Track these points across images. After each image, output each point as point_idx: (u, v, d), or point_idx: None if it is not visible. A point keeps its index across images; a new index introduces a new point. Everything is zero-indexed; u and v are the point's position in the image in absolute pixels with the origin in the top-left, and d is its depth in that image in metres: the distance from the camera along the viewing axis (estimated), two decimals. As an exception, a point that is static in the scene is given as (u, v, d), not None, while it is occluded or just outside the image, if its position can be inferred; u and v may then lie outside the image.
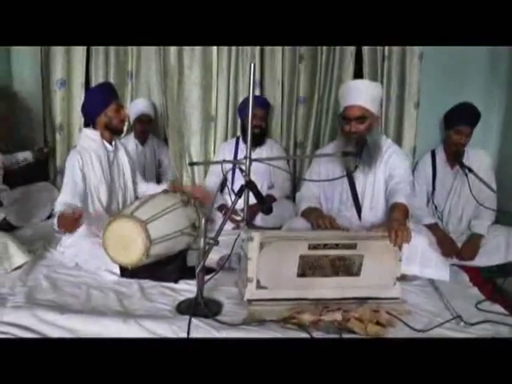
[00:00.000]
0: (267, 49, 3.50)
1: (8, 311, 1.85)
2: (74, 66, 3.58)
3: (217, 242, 1.89)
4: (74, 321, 1.76)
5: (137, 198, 2.75)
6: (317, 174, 2.69)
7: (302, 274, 2.01)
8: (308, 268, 2.01)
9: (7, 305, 1.93)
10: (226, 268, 2.29)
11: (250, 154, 2.31)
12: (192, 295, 2.03)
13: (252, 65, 2.18)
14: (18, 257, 2.31)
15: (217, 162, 3.13)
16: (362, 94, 2.43)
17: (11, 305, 1.93)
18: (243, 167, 2.26)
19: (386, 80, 3.37)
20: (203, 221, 1.92)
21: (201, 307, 1.89)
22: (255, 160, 2.36)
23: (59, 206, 2.36)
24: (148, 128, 3.61)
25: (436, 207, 3.07)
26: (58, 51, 3.56)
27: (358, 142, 2.44)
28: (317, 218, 2.42)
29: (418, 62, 3.29)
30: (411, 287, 2.26)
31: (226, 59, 3.49)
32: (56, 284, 2.18)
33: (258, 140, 3.30)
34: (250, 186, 2.16)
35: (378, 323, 1.85)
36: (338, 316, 1.88)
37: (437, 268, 2.29)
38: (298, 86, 3.57)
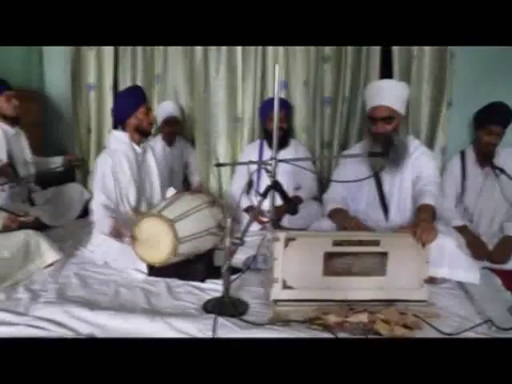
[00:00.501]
0: (292, 49, 3.49)
1: (40, 306, 1.92)
2: (103, 70, 3.68)
3: (242, 242, 1.90)
4: (103, 317, 1.80)
5: (163, 199, 2.79)
6: (344, 175, 2.67)
7: (327, 272, 2.00)
8: (333, 266, 2.00)
9: (40, 300, 1.99)
10: (252, 268, 2.30)
11: (276, 154, 2.32)
12: (218, 294, 2.05)
13: (276, 66, 2.18)
14: (50, 255, 2.37)
15: (243, 163, 3.15)
16: (389, 94, 2.41)
17: (43, 300, 1.99)
18: (269, 168, 2.27)
19: (416, 80, 3.32)
20: (229, 220, 1.93)
21: (227, 306, 1.90)
22: (281, 161, 2.35)
23: (98, 206, 2.45)
24: (175, 130, 3.64)
25: (466, 209, 3.01)
26: (89, 55, 3.67)
27: (384, 143, 2.42)
28: (343, 219, 2.41)
29: (450, 62, 3.23)
30: (440, 290, 2.21)
31: (253, 60, 3.51)
32: (86, 281, 2.24)
33: (281, 141, 3.27)
34: (275, 186, 2.16)
35: (404, 326, 1.82)
36: (364, 318, 1.86)
37: (466, 270, 2.24)
38: (323, 86, 3.54)
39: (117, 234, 2.43)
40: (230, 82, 3.53)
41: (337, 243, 1.97)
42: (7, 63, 3.59)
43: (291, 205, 2.19)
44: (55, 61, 3.90)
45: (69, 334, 1.71)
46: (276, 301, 1.99)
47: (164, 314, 1.85)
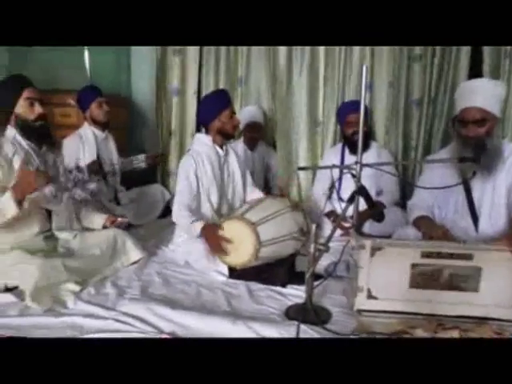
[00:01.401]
0: (378, 49, 3.39)
1: (126, 302, 1.97)
2: (187, 74, 3.77)
3: (327, 249, 1.85)
4: (185, 316, 1.81)
5: (245, 202, 2.80)
6: (429, 180, 2.52)
7: (414, 284, 1.89)
8: (420, 279, 1.89)
9: (125, 296, 2.05)
10: (333, 275, 2.24)
11: (361, 158, 2.25)
12: (300, 301, 2.01)
13: (364, 67, 2.11)
14: (135, 253, 2.45)
15: (326, 167, 3.08)
16: (482, 94, 2.23)
17: (128, 297, 2.05)
18: (354, 172, 2.20)
19: (508, 80, 3.10)
20: (314, 226, 1.88)
21: (310, 314, 1.85)
22: (366, 165, 2.28)
23: (181, 207, 2.48)
24: (257, 135, 3.65)
25: None
26: (174, 60, 3.78)
27: (476, 147, 2.25)
28: (429, 227, 2.28)
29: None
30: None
31: (336, 62, 3.44)
32: (167, 280, 2.27)
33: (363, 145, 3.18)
34: (361, 191, 2.09)
35: (501, 347, 1.69)
36: (455, 335, 1.74)
37: None
38: (409, 87, 3.41)
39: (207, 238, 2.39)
40: (312, 83, 3.48)
41: (426, 255, 1.87)
42: (99, 71, 3.80)
43: (377, 211, 2.11)
44: (142, 67, 4.07)
45: (151, 331, 1.73)
46: (360, 311, 1.91)
47: (246, 318, 1.82)
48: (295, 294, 2.13)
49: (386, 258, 1.86)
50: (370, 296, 1.90)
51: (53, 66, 3.89)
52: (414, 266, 1.86)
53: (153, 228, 3.18)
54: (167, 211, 3.48)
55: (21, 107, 2.17)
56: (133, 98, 4.19)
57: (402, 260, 1.86)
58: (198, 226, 2.39)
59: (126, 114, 4.05)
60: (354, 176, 2.13)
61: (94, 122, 3.23)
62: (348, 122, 3.11)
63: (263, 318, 1.88)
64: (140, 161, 3.63)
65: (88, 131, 3.24)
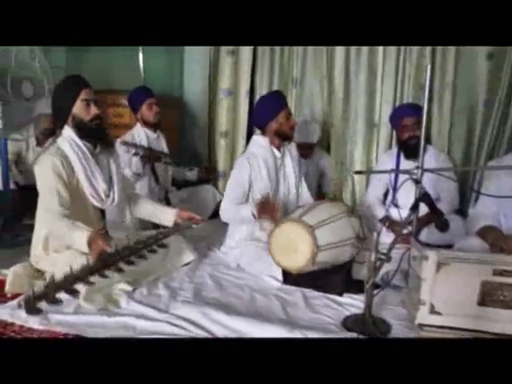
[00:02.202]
0: (438, 48, 3.24)
1: (179, 305, 1.94)
2: (240, 76, 3.74)
3: (389, 259, 1.76)
4: (239, 323, 1.75)
5: (298, 205, 2.72)
6: (496, 187, 2.37)
7: (483, 302, 1.76)
8: (491, 297, 1.75)
9: (178, 298, 2.02)
10: (390, 285, 2.14)
11: (423, 162, 2.14)
12: (357, 311, 1.92)
13: (428, 66, 2.01)
14: (186, 254, 2.43)
15: (385, 172, 2.96)
16: None
17: (181, 299, 2.01)
18: (414, 177, 2.09)
19: None
20: (375, 234, 1.79)
21: (369, 326, 1.76)
22: (427, 170, 2.17)
23: (229, 205, 2.45)
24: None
25: None
26: (227, 61, 3.75)
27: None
28: (497, 239, 2.14)
29: None
30: None
31: (394, 62, 3.32)
32: (220, 283, 2.23)
33: (416, 151, 3.03)
34: (425, 199, 1.98)
35: None
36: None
37: None
38: (475, 88, 3.24)
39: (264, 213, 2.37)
40: (369, 85, 3.37)
41: (499, 273, 1.73)
42: (152, 72, 3.85)
43: (441, 220, 1.99)
44: (194, 68, 4.08)
45: (205, 336, 1.69)
46: (421, 325, 1.80)
47: (302, 327, 1.75)
48: (352, 303, 2.04)
49: (453, 274, 1.73)
50: (433, 311, 1.78)
51: (107, 67, 3.98)
52: (484, 283, 1.73)
53: (203, 229, 3.14)
54: (218, 212, 3.46)
55: (77, 108, 2.18)
56: (185, 98, 4.21)
57: (470, 277, 1.73)
58: (247, 207, 2.38)
59: (177, 114, 4.07)
60: (417, 182, 2.03)
61: (145, 123, 3.25)
62: (404, 126, 2.98)
63: (320, 327, 1.80)
64: (192, 174, 3.62)
65: (140, 132, 3.27)
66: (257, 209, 2.35)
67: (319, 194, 3.61)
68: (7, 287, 2.10)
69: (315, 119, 3.68)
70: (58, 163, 2.12)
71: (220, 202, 3.47)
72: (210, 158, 4.05)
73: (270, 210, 2.34)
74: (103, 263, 1.92)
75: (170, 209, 2.53)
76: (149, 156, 3.11)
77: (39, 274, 2.24)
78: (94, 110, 2.19)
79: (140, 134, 3.26)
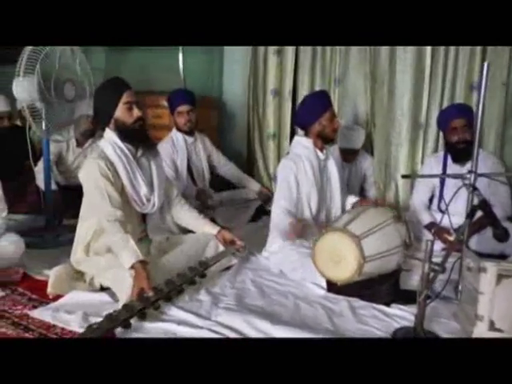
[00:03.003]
0: (490, 47, 3.09)
1: (221, 312, 1.89)
2: (284, 76, 3.68)
3: (443, 270, 1.65)
4: (285, 333, 1.69)
5: (343, 208, 2.64)
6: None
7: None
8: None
9: (220, 305, 1.97)
10: (440, 296, 2.03)
11: (477, 167, 2.02)
12: (407, 323, 1.83)
13: (486, 64, 1.89)
14: (227, 258, 2.37)
15: (434, 176, 2.82)
16: None
17: (223, 306, 1.96)
18: (466, 182, 1.98)
19: None
20: (429, 243, 1.68)
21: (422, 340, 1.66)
22: (481, 175, 2.06)
23: (279, 212, 2.38)
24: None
25: None
26: (271, 62, 3.69)
27: None
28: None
29: None
30: None
31: (442, 60, 3.19)
32: (263, 290, 2.16)
33: (465, 154, 2.89)
34: (482, 206, 1.86)
35: None
36: None
37: None
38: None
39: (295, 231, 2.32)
40: (416, 84, 3.24)
41: None
42: (191, 72, 3.83)
43: (501, 229, 1.86)
44: (234, 68, 4.05)
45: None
46: (479, 342, 1.69)
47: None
48: (401, 315, 1.93)
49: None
50: (494, 328, 1.66)
51: (146, 68, 3.98)
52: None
53: (243, 232, 3.08)
54: (258, 215, 3.43)
55: (120, 111, 2.16)
56: (224, 99, 4.17)
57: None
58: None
59: (217, 115, 4.03)
60: (474, 188, 1.91)
61: (178, 130, 3.22)
62: (452, 128, 2.82)
63: (369, 340, 1.71)
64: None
65: (178, 136, 3.23)
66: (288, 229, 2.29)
67: (361, 197, 3.50)
68: (49, 289, 2.10)
69: (359, 124, 3.57)
70: (103, 166, 2.10)
71: (260, 205, 3.52)
72: (250, 160, 4.00)
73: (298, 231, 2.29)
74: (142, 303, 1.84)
75: (213, 226, 2.48)
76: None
77: (79, 275, 2.23)
78: (136, 113, 2.17)
79: (178, 138, 3.23)
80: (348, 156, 3.37)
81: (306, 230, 2.27)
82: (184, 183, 3.17)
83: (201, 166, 3.39)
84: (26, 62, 2.57)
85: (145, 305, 1.81)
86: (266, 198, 3.55)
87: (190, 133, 3.24)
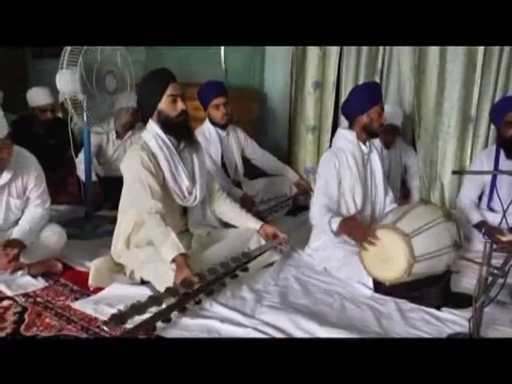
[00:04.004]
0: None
1: (265, 310, 1.84)
2: (327, 68, 3.56)
3: (504, 273, 1.55)
4: (332, 335, 1.62)
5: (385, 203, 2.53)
6: None
7: None
8: None
9: (263, 302, 1.92)
10: (495, 301, 1.91)
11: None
12: (459, 328, 1.74)
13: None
14: (269, 254, 2.32)
15: (490, 172, 2.68)
16: None
17: (267, 303, 1.91)
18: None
19: None
20: (488, 245, 1.58)
21: (478, 348, 1.57)
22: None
23: (321, 207, 2.27)
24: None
25: None
26: (313, 54, 3.59)
27: None
28: None
29: None
30: None
31: (496, 49, 3.00)
32: (307, 288, 2.10)
33: None
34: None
35: None
36: None
37: None
38: None
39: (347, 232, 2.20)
40: (466, 76, 3.08)
41: None
42: (233, 65, 3.79)
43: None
44: (276, 60, 3.95)
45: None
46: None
47: (401, 344, 1.60)
48: (453, 319, 1.84)
49: None
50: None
51: (187, 60, 3.95)
52: None
53: (281, 226, 3.00)
54: (296, 208, 3.36)
55: (164, 103, 2.12)
56: (265, 90, 4.11)
57: None
58: (336, 221, 2.18)
59: (258, 107, 3.98)
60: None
61: (212, 123, 3.13)
62: (508, 122, 2.68)
63: (421, 345, 1.63)
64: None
65: (211, 129, 3.15)
66: (339, 226, 2.16)
67: (402, 192, 3.38)
68: (90, 281, 2.11)
69: (396, 103, 3.42)
70: (146, 158, 2.08)
71: (296, 195, 3.43)
72: (291, 152, 3.93)
73: (353, 229, 2.15)
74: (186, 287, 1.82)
75: (256, 221, 2.44)
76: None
77: (119, 267, 2.23)
78: (180, 106, 2.12)
79: (210, 131, 3.15)
80: (387, 137, 3.23)
81: (358, 230, 2.15)
82: (219, 177, 3.11)
83: (234, 159, 3.31)
84: (69, 55, 2.57)
85: (189, 289, 1.78)
86: (304, 190, 3.48)
87: (224, 126, 3.15)
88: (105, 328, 1.57)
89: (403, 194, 3.36)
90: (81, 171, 3.11)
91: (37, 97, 3.50)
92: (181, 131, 2.18)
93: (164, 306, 1.75)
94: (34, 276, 2.18)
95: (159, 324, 1.69)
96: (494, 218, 2.75)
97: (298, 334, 1.65)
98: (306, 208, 3.45)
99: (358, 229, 2.11)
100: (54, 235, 2.32)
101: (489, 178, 2.82)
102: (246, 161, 3.44)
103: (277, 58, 3.93)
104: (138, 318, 1.66)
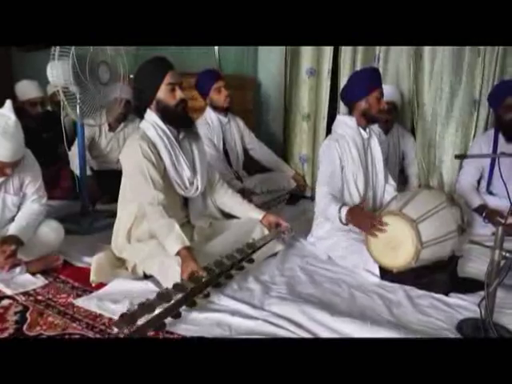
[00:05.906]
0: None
1: (274, 301, 1.81)
2: (322, 54, 3.50)
3: (515, 257, 1.54)
4: (346, 325, 1.60)
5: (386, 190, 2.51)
6: None
7: None
8: None
9: (271, 294, 1.89)
10: (503, 285, 1.90)
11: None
12: (469, 313, 1.73)
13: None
14: (274, 244, 2.29)
15: (489, 156, 2.68)
16: None
17: (275, 294, 1.88)
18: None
19: None
20: (500, 229, 1.56)
21: (491, 333, 1.54)
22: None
23: (326, 196, 2.23)
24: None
25: None
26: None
27: None
28: None
29: None
30: None
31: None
32: (313, 278, 2.07)
33: None
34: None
35: None
36: None
37: None
38: None
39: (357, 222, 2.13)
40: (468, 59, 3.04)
41: None
42: (226, 53, 3.73)
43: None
44: (269, 48, 3.89)
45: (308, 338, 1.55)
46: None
47: (416, 332, 1.57)
48: (463, 305, 1.82)
49: None
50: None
51: (180, 50, 3.87)
52: None
53: (281, 216, 2.98)
54: (294, 198, 3.37)
55: (162, 92, 2.06)
56: (259, 79, 4.06)
57: None
58: (344, 211, 2.13)
59: (252, 95, 3.94)
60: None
61: (215, 108, 3.15)
62: (507, 106, 2.67)
63: (434, 332, 1.61)
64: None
65: (213, 116, 3.17)
66: (346, 215, 2.12)
67: (400, 177, 3.37)
68: (92, 277, 2.05)
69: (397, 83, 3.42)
70: (146, 147, 2.03)
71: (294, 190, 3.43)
72: (286, 141, 3.89)
73: (361, 217, 2.09)
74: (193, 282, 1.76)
75: (258, 211, 2.40)
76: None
77: (121, 262, 2.18)
78: (179, 95, 2.08)
79: (212, 119, 3.17)
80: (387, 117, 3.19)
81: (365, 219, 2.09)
82: (221, 164, 3.10)
83: (235, 148, 3.33)
84: (61, 46, 2.49)
85: (197, 284, 1.74)
86: (301, 186, 3.51)
87: (224, 112, 3.18)
88: (115, 329, 1.52)
89: (401, 181, 3.35)
90: (74, 165, 3.05)
91: (27, 90, 3.43)
92: (180, 120, 2.13)
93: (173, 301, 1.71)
94: (33, 274, 2.12)
95: (168, 320, 1.65)
96: (493, 202, 2.76)
97: (310, 325, 1.62)
98: (305, 197, 3.49)
99: (365, 217, 2.07)
100: (51, 231, 2.26)
101: (488, 162, 2.82)
102: (244, 155, 3.44)
103: (270, 46, 3.87)
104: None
